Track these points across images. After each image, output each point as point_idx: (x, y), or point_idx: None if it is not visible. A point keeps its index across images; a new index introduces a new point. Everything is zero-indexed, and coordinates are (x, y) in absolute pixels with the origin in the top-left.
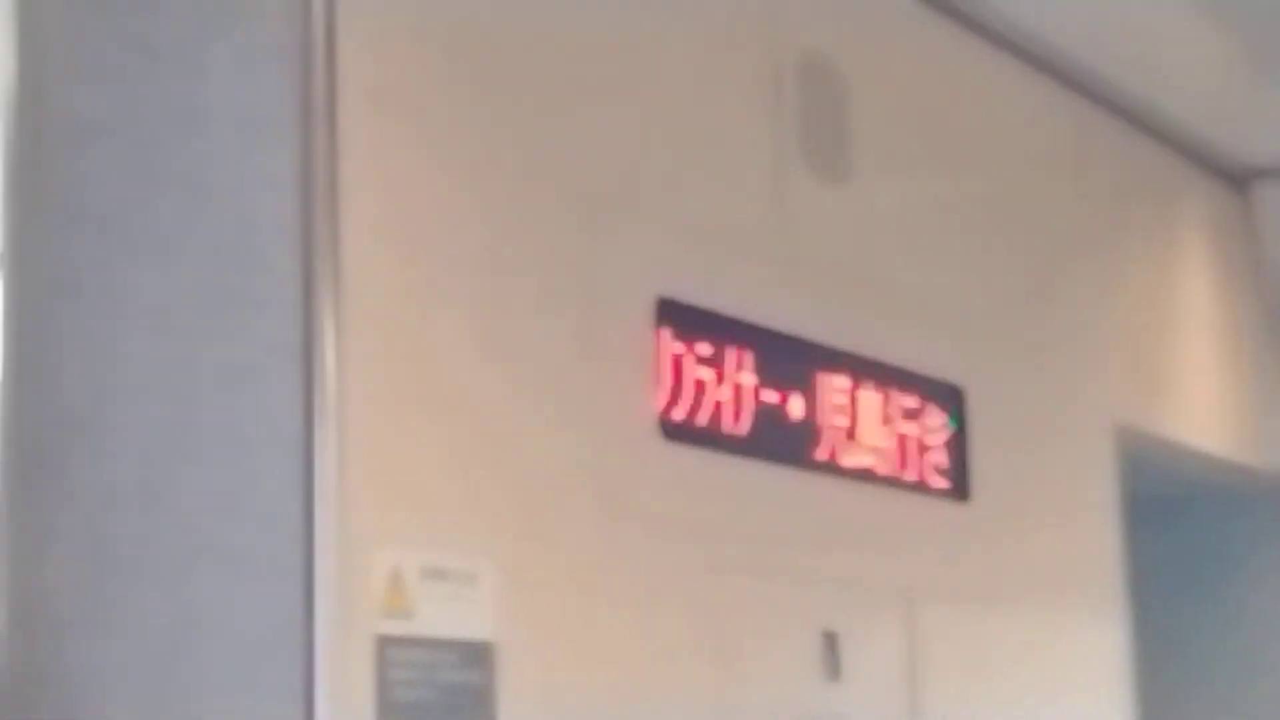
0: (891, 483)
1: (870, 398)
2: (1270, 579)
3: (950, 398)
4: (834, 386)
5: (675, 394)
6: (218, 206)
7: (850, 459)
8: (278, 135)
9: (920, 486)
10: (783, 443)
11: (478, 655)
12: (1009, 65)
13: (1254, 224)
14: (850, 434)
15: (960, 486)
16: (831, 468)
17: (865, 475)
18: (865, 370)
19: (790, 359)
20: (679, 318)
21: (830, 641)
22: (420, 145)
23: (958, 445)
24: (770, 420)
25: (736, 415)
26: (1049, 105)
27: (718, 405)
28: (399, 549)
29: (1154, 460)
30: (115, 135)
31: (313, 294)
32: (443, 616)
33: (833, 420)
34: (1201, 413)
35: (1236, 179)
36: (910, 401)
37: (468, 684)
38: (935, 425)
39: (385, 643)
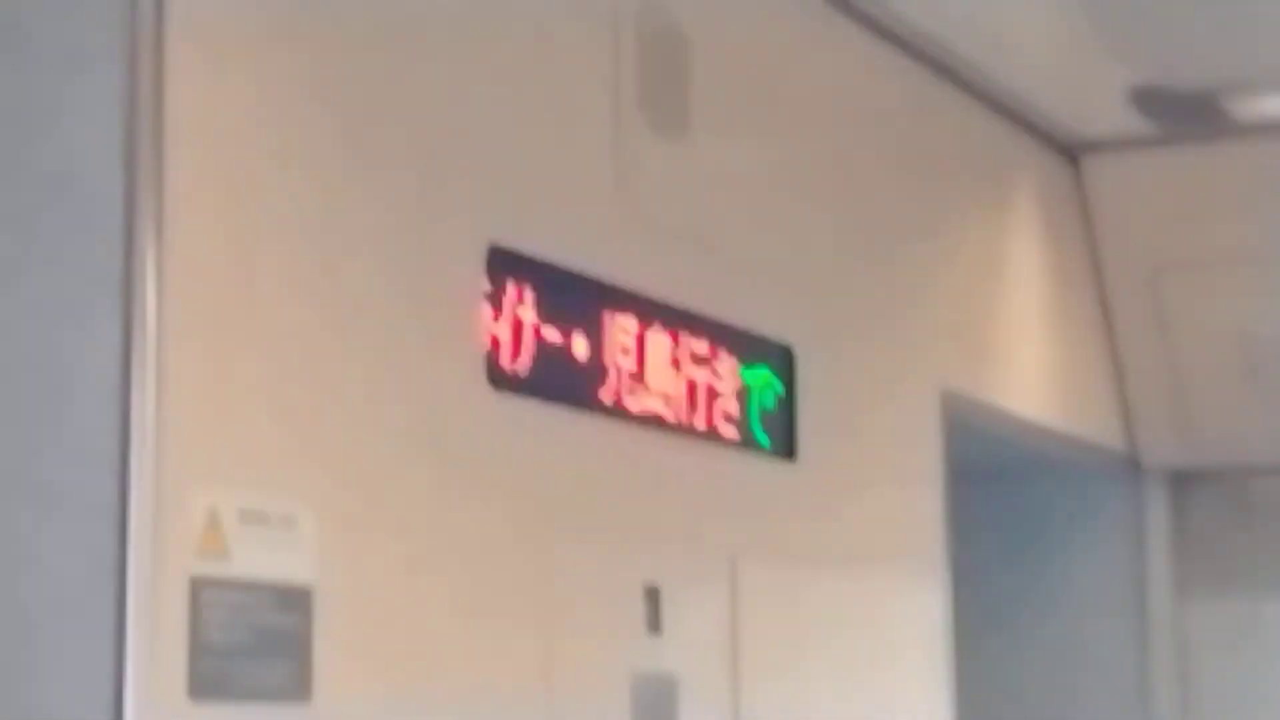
0: (715, 439)
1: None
2: (1092, 548)
3: (779, 357)
4: (649, 339)
5: (504, 343)
6: (38, 134)
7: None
8: (102, 64)
9: (722, 440)
10: (603, 396)
11: (294, 599)
12: (849, 29)
13: (1085, 197)
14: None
15: (787, 446)
16: (654, 422)
17: (692, 431)
18: (689, 324)
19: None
20: (511, 266)
21: (653, 596)
22: (251, 82)
23: (785, 405)
24: (587, 373)
25: (568, 365)
26: (887, 70)
27: (548, 355)
28: (217, 489)
29: (979, 427)
30: None
31: (134, 226)
32: (260, 559)
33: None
34: (1028, 381)
35: (1068, 151)
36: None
37: (283, 627)
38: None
39: (200, 584)
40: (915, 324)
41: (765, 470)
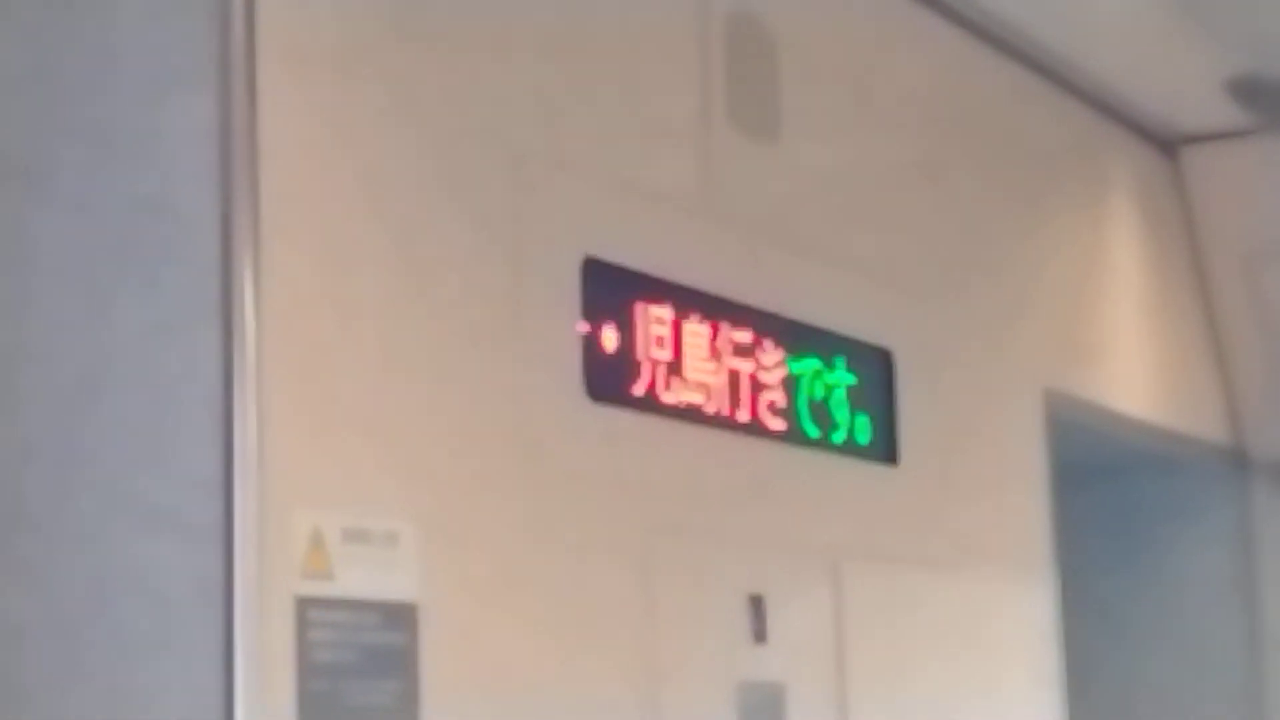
0: (824, 446)
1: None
2: (1197, 545)
3: (879, 360)
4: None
5: (602, 355)
6: (133, 159)
7: (778, 422)
8: (195, 86)
9: (847, 447)
10: (705, 406)
11: (400, 616)
12: (938, 26)
13: (1183, 190)
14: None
15: (889, 449)
16: (757, 429)
17: (796, 438)
18: (796, 334)
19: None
20: (606, 278)
21: (757, 604)
22: (343, 99)
23: (886, 408)
24: (683, 383)
25: (667, 381)
26: (979, 67)
27: (646, 366)
28: (319, 509)
29: (1082, 425)
30: (27, 85)
31: (231, 249)
32: (364, 577)
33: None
34: (1129, 378)
35: (1166, 145)
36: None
37: (389, 645)
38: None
39: (305, 604)
40: (1016, 323)
41: (868, 475)
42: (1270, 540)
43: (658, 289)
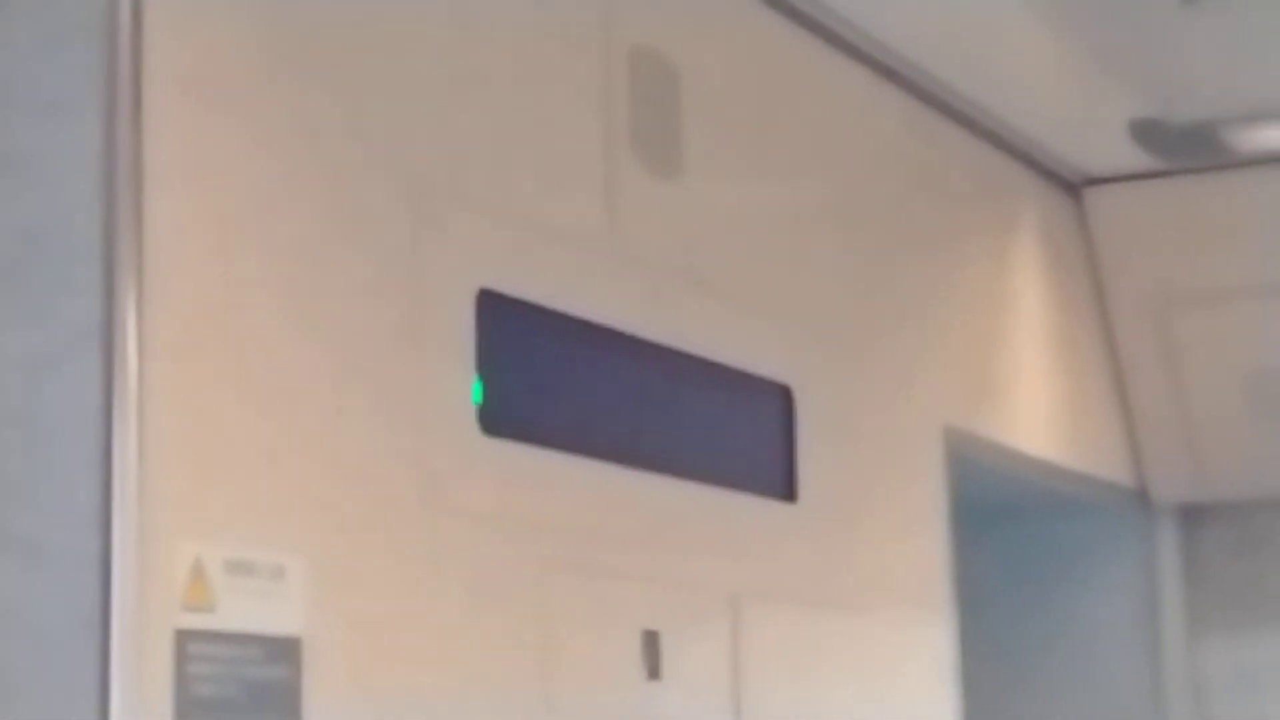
0: (717, 481)
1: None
2: (1102, 585)
3: (778, 398)
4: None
5: (496, 387)
6: (17, 186)
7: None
8: (81, 116)
9: (746, 486)
10: (599, 439)
11: (284, 651)
12: (844, 65)
13: (1088, 231)
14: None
15: (787, 487)
16: (652, 464)
17: (690, 473)
18: (694, 369)
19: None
20: (501, 311)
21: (651, 640)
22: (235, 129)
23: (785, 445)
24: (581, 416)
25: (562, 408)
26: (885, 106)
27: (541, 398)
28: (201, 541)
29: (984, 464)
30: None
31: (114, 277)
32: (247, 611)
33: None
34: (1033, 418)
35: (1071, 186)
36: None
37: (273, 680)
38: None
39: (185, 637)
40: (917, 361)
41: (766, 512)
42: (1172, 582)
43: (556, 323)
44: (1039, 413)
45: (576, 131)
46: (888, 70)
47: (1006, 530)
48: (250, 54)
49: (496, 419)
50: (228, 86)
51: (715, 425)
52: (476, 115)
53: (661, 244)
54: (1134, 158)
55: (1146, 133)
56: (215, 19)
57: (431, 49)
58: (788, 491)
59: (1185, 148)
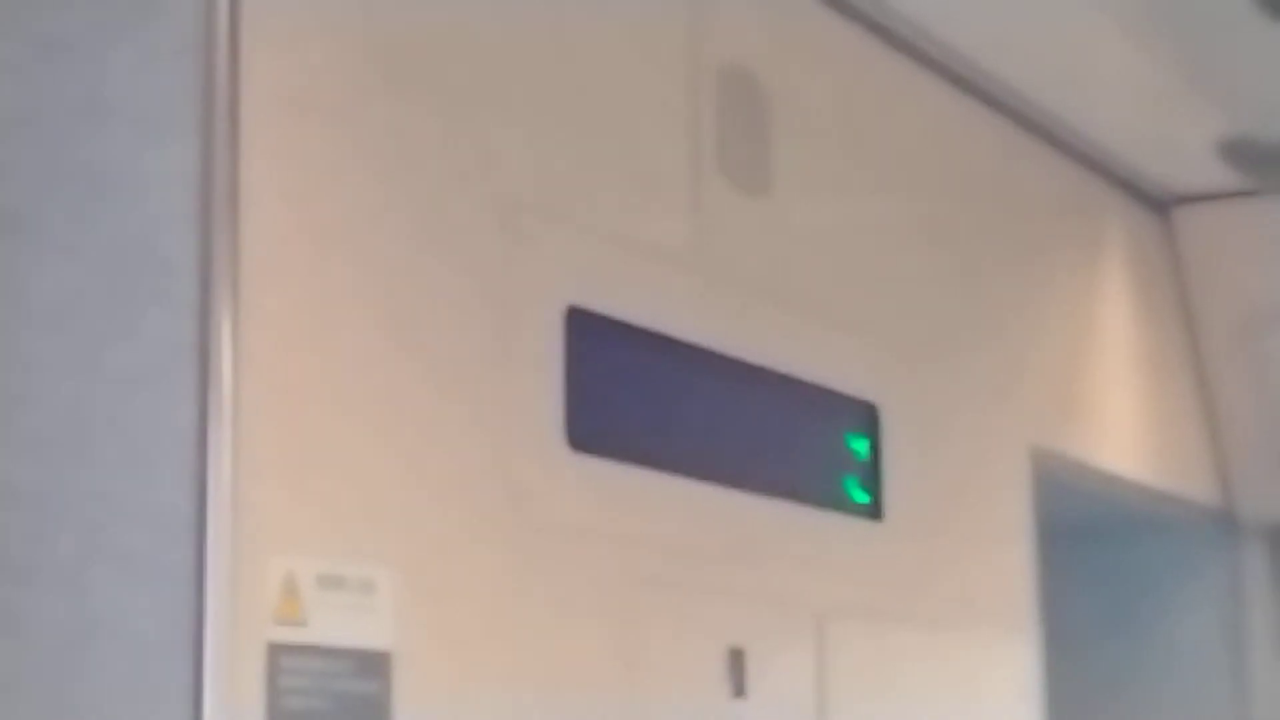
0: (804, 498)
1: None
2: (1189, 607)
3: (865, 415)
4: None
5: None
6: (118, 204)
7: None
8: (179, 132)
9: (833, 504)
10: (686, 456)
11: (374, 665)
12: (932, 82)
13: (1176, 250)
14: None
15: (874, 505)
16: (738, 481)
17: (776, 490)
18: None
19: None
20: (589, 328)
21: (736, 658)
22: (329, 144)
23: (872, 463)
24: (669, 433)
25: (649, 425)
26: (973, 124)
27: (629, 415)
28: (294, 555)
29: (1071, 483)
30: (17, 131)
31: (210, 293)
32: (338, 625)
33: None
34: (1121, 437)
35: (1159, 204)
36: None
37: (362, 694)
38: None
39: (277, 650)
40: (1005, 380)
41: (852, 530)
42: (1260, 604)
43: (643, 340)
44: (1125, 432)
45: (665, 149)
46: (975, 88)
47: (1092, 550)
48: (345, 70)
49: (584, 435)
50: (323, 103)
51: (802, 442)
52: (566, 132)
53: (748, 261)
54: (1223, 177)
55: (1236, 151)
56: (311, 36)
57: (523, 66)
58: (875, 510)
59: (1276, 166)
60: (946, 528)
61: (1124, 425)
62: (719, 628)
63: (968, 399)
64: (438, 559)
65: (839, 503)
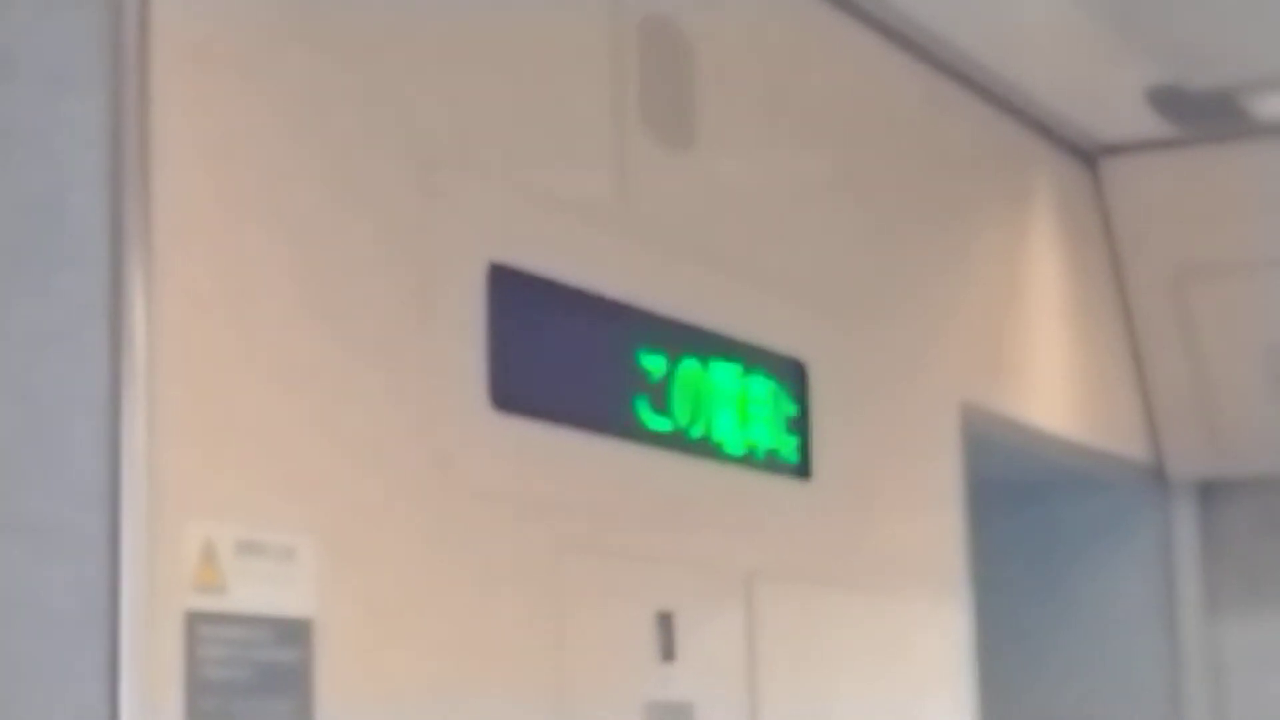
0: (729, 459)
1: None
2: (1119, 562)
3: (792, 372)
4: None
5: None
6: (23, 160)
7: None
8: (85, 84)
9: (759, 462)
10: (610, 415)
11: (295, 632)
12: (858, 32)
13: (1104, 200)
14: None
15: (801, 464)
16: (665, 441)
17: (702, 449)
18: (709, 344)
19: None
20: (512, 285)
21: (665, 621)
22: (243, 98)
23: (799, 421)
24: (593, 392)
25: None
26: (899, 75)
27: (553, 374)
28: (212, 521)
29: (1000, 440)
30: None
31: (122, 253)
32: (258, 592)
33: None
34: (1050, 392)
35: (1087, 155)
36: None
37: (284, 662)
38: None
39: (196, 618)
40: (932, 336)
41: (780, 489)
42: (1191, 560)
43: (567, 298)
44: (1055, 388)
45: (587, 102)
46: (902, 38)
47: (1022, 507)
48: (258, 22)
49: (508, 395)
50: (235, 58)
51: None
52: (486, 85)
53: (673, 216)
54: (1152, 126)
55: (1165, 100)
56: None
57: (440, 18)
58: (802, 468)
59: (1205, 115)
60: (876, 486)
61: (1053, 381)
62: (648, 591)
63: (896, 355)
64: (359, 524)
65: (766, 462)
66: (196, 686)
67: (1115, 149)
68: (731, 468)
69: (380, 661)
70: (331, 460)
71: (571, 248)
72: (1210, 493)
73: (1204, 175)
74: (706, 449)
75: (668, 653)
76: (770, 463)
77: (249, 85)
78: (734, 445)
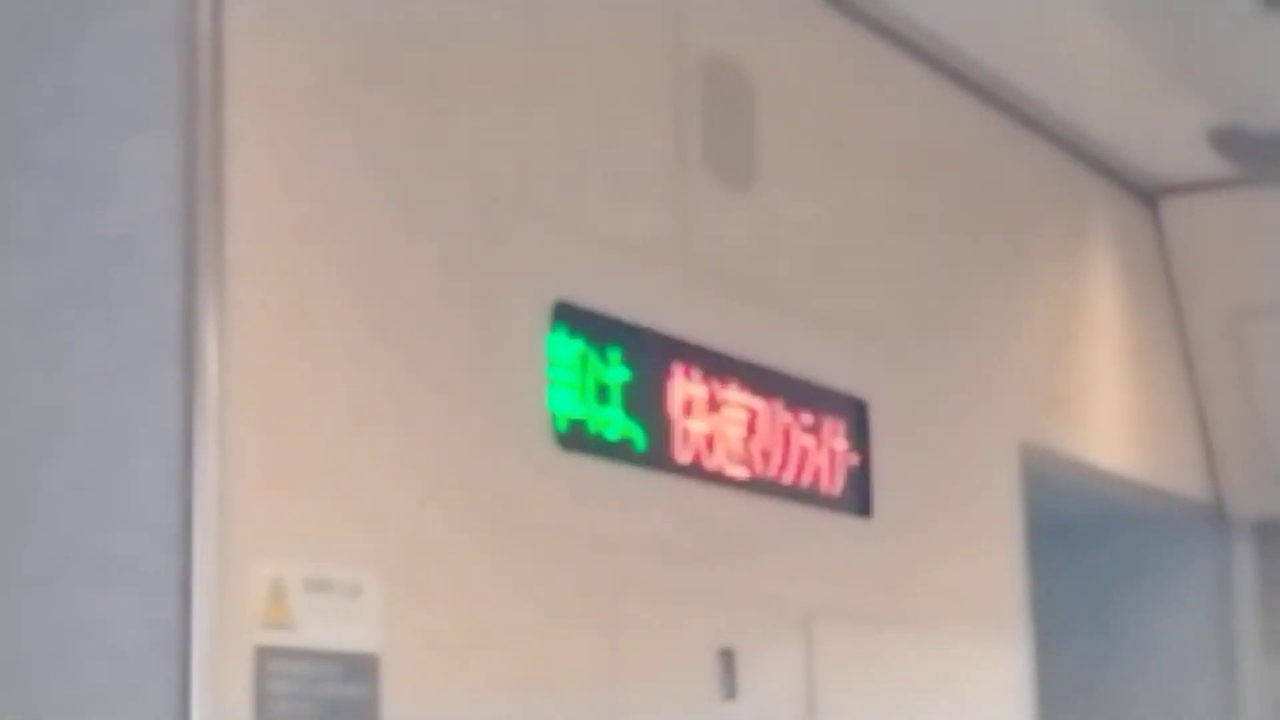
0: (791, 496)
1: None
2: (1177, 601)
3: (853, 411)
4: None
5: (571, 401)
6: (95, 199)
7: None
8: (159, 124)
9: (820, 500)
10: (673, 454)
11: (361, 668)
12: (919, 73)
13: (1163, 240)
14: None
15: (862, 502)
16: (726, 480)
17: (763, 487)
18: (768, 383)
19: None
20: (576, 322)
21: (727, 660)
22: (311, 140)
23: (859, 460)
24: (656, 430)
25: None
26: (960, 115)
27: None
28: (281, 559)
29: (1059, 479)
30: None
31: (194, 291)
32: (325, 628)
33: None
34: (1109, 431)
35: (1147, 195)
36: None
37: (350, 698)
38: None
39: (264, 654)
40: (992, 375)
41: (840, 528)
42: (1248, 600)
43: (628, 336)
44: (1114, 426)
45: (649, 142)
46: (963, 78)
47: (1080, 545)
48: (330, 63)
49: (568, 433)
50: (306, 98)
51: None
52: (550, 127)
53: (734, 255)
54: (1211, 166)
55: (1226, 140)
56: (295, 28)
57: (506, 60)
58: (862, 507)
59: (1265, 156)
60: (936, 525)
61: (1112, 419)
62: (708, 628)
63: (956, 394)
64: (424, 561)
65: (827, 501)
66: None
67: (1175, 188)
68: (793, 505)
69: (444, 697)
70: (397, 497)
71: (633, 286)
72: (1269, 531)
73: (1264, 215)
74: (767, 487)
75: (729, 691)
76: (830, 500)
77: (319, 125)
78: (795, 483)
